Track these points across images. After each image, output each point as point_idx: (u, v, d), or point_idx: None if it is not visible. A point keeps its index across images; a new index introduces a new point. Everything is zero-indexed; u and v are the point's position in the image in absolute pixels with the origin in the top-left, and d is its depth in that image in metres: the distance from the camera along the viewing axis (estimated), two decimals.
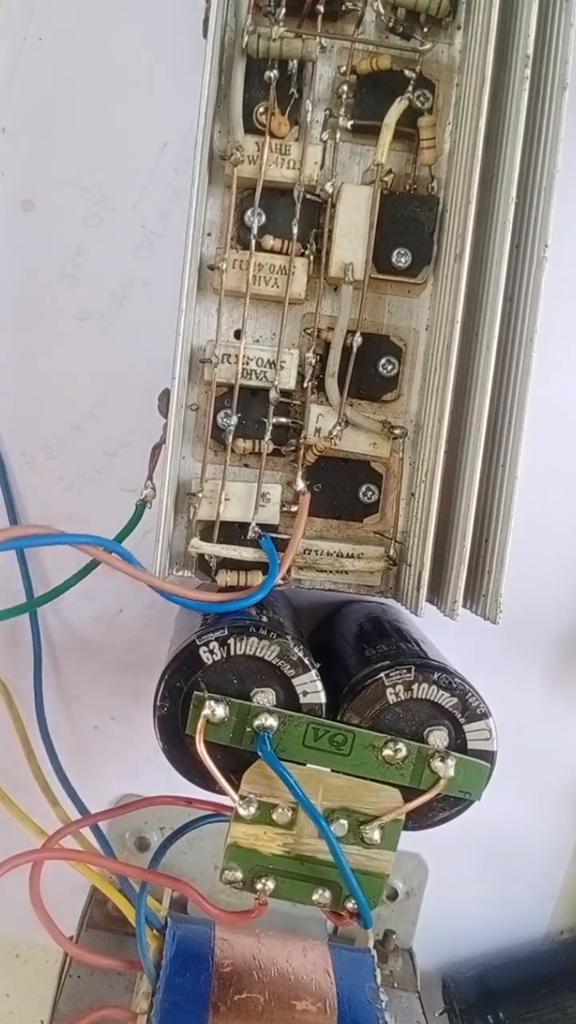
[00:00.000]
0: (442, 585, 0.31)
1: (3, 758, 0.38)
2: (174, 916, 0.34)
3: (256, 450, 0.31)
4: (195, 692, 0.28)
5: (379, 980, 0.33)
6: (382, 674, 0.29)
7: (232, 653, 0.28)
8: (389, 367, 0.32)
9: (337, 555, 0.32)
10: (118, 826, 0.44)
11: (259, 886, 0.29)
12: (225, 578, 0.31)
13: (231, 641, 0.28)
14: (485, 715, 0.29)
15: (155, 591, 0.28)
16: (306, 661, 0.28)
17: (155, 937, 0.33)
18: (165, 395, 0.29)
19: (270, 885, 0.29)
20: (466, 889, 0.47)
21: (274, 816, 0.28)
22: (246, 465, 0.32)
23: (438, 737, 0.29)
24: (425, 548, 0.30)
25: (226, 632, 0.28)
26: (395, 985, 0.42)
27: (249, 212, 0.30)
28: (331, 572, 0.32)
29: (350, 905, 0.29)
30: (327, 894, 0.29)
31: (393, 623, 0.35)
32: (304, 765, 0.28)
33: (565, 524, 0.42)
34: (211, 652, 0.28)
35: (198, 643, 0.28)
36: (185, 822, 0.33)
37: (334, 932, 0.45)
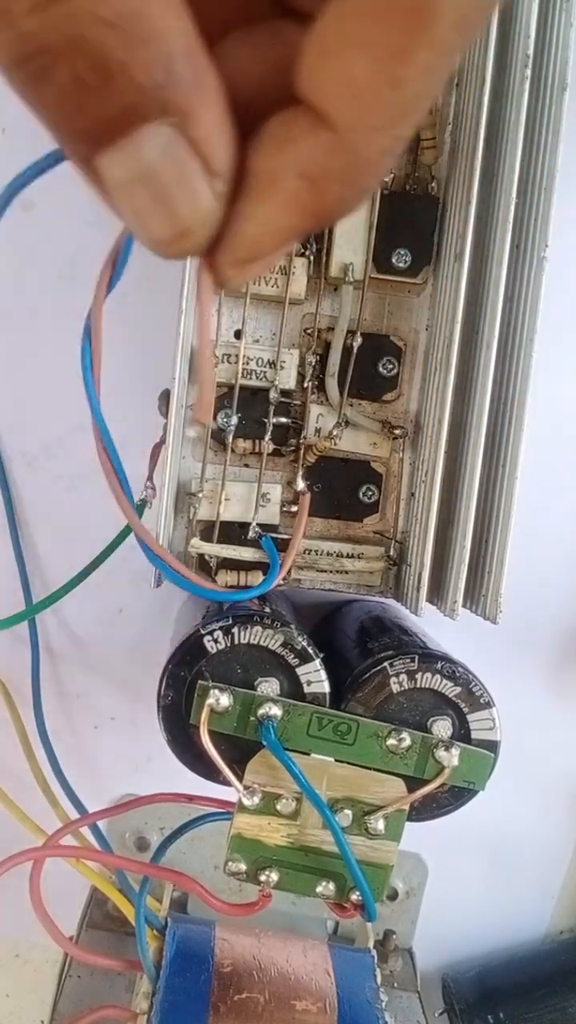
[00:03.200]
0: (442, 585, 0.31)
1: (3, 758, 0.38)
2: (174, 916, 0.34)
3: (256, 450, 0.31)
4: (199, 681, 0.28)
5: (379, 980, 0.33)
6: (386, 663, 0.29)
7: (236, 642, 0.28)
8: (389, 367, 0.32)
9: (337, 555, 0.32)
10: (118, 826, 0.44)
11: (263, 878, 0.29)
12: (225, 578, 0.31)
13: (235, 630, 0.28)
14: (489, 704, 0.29)
15: (160, 567, 0.28)
16: (310, 650, 0.28)
17: (155, 937, 0.33)
18: (165, 395, 0.29)
19: (274, 877, 0.29)
20: (466, 889, 0.46)
21: (278, 806, 0.28)
22: (246, 465, 0.32)
23: (442, 727, 0.29)
24: (425, 548, 0.30)
25: (230, 621, 0.28)
26: (395, 985, 0.42)
27: None
28: (331, 572, 0.32)
29: (354, 897, 0.29)
30: (331, 886, 0.29)
31: (394, 619, 0.35)
32: (308, 755, 0.28)
33: (565, 524, 0.42)
34: (215, 641, 0.28)
35: (202, 632, 0.28)
36: (185, 821, 0.32)
37: (334, 932, 0.45)
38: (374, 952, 0.35)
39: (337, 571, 0.32)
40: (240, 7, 0.16)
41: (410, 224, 0.30)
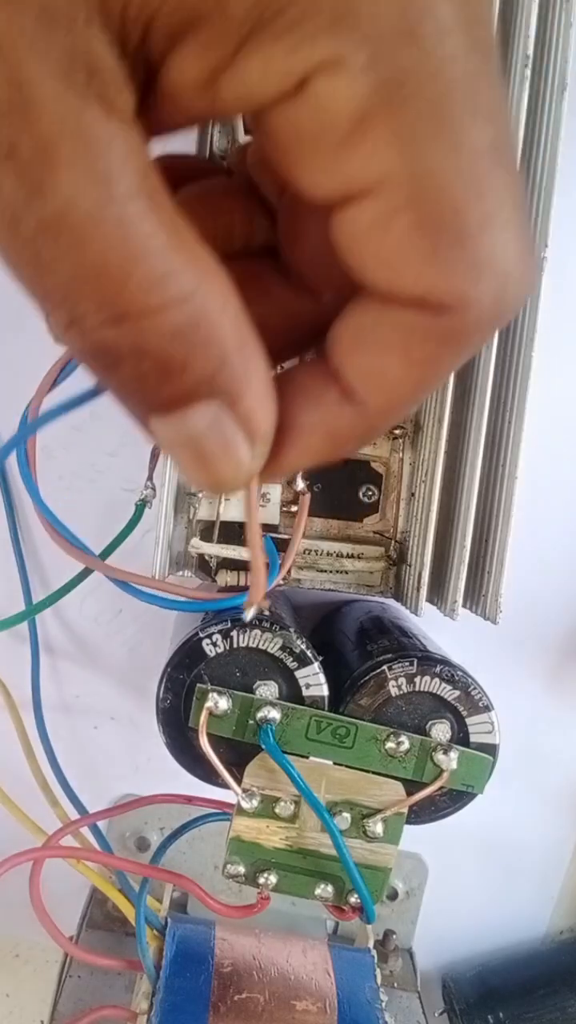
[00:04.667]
0: (442, 585, 0.31)
1: (3, 758, 0.38)
2: (174, 916, 0.34)
3: None
4: (198, 684, 0.28)
5: (379, 980, 0.33)
6: (384, 667, 0.29)
7: (235, 646, 0.28)
8: None
9: (337, 555, 0.32)
10: (118, 826, 0.44)
11: (261, 880, 0.29)
12: (225, 578, 0.31)
13: (234, 634, 0.28)
14: (488, 708, 0.29)
15: (152, 599, 0.28)
16: (308, 654, 0.28)
17: (155, 937, 0.33)
18: None
19: (272, 879, 0.29)
20: (466, 889, 0.47)
21: (277, 809, 0.28)
22: None
23: (441, 730, 0.29)
24: (425, 548, 0.30)
25: (229, 625, 0.28)
26: (395, 985, 0.42)
27: None
28: (331, 572, 0.32)
29: (352, 900, 0.29)
30: (329, 888, 0.29)
31: (394, 620, 0.35)
32: (307, 758, 0.28)
33: (565, 524, 0.42)
34: (214, 644, 0.28)
35: (201, 635, 0.28)
36: (185, 821, 0.33)
37: (334, 932, 0.45)
38: (374, 952, 0.35)
39: (337, 571, 0.32)
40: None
41: None
